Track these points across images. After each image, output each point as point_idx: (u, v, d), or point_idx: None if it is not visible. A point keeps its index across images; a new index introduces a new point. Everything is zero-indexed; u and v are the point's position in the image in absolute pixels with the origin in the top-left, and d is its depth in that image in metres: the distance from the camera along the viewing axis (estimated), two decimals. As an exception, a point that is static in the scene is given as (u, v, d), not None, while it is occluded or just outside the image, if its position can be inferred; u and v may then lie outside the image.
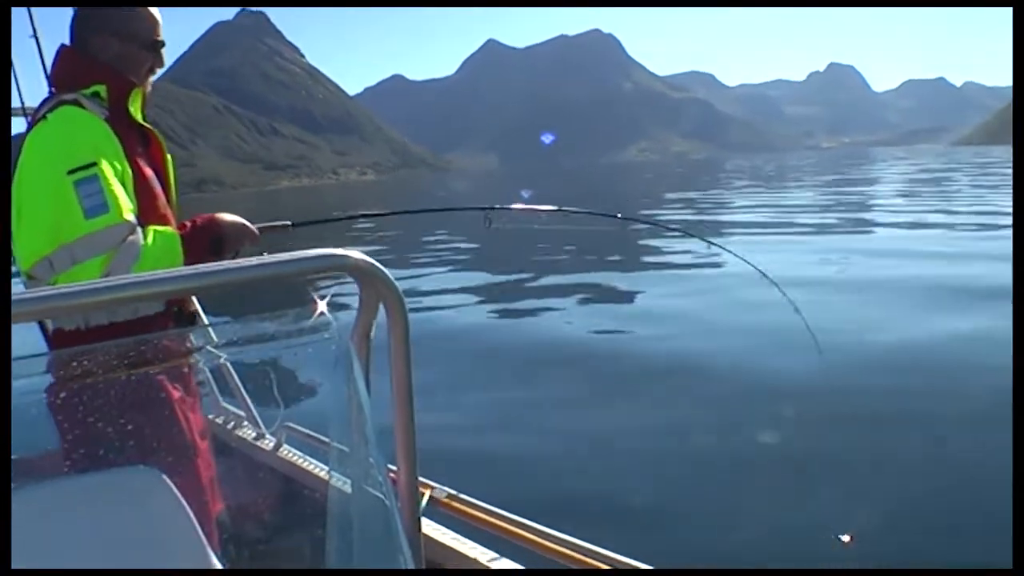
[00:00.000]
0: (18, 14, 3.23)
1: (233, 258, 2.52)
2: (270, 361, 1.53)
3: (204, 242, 2.44)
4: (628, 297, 13.52)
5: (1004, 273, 11.10)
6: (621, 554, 2.36)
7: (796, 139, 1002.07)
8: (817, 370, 7.00)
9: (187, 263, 2.31)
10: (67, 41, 2.53)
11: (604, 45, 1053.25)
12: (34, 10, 3.42)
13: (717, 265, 15.03)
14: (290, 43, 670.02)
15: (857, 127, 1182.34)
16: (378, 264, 1.29)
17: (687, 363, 8.57)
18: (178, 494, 1.50)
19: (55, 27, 3.12)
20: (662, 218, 27.06)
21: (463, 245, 22.58)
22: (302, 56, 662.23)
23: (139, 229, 2.25)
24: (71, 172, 2.19)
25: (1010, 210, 21.91)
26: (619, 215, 4.63)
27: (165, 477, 1.52)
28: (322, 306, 1.41)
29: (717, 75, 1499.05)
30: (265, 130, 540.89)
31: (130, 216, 2.24)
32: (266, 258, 1.22)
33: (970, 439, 5.81)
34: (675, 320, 10.98)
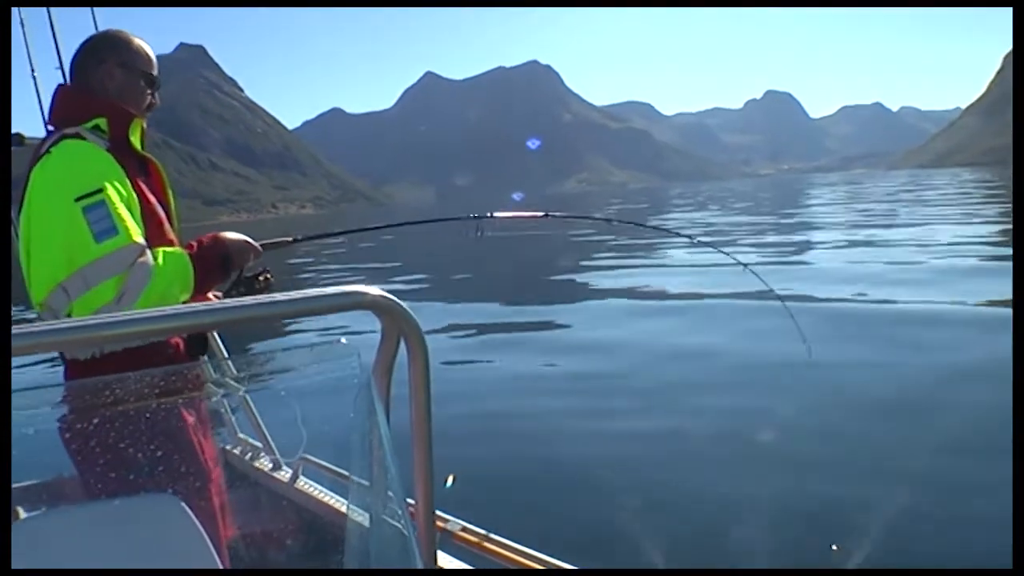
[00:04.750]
0: (44, 48, 3.45)
1: (239, 273, 2.65)
2: (292, 393, 1.57)
3: (213, 260, 2.50)
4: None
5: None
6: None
7: (734, 167, 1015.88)
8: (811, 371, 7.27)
9: (197, 281, 2.40)
10: (63, 81, 2.66)
11: (542, 76, 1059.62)
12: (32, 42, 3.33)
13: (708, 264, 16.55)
14: (229, 77, 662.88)
15: (795, 154, 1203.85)
16: (397, 299, 1.29)
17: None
18: (196, 521, 1.48)
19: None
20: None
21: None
22: (241, 90, 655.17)
23: (148, 251, 2.28)
24: (79, 199, 2.20)
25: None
26: (612, 220, 5.10)
27: (183, 504, 1.50)
28: (344, 340, 1.41)
29: (655, 104, 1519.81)
30: (203, 164, 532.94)
31: (139, 238, 2.27)
32: (287, 295, 1.24)
33: (970, 440, 5.89)
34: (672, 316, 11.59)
